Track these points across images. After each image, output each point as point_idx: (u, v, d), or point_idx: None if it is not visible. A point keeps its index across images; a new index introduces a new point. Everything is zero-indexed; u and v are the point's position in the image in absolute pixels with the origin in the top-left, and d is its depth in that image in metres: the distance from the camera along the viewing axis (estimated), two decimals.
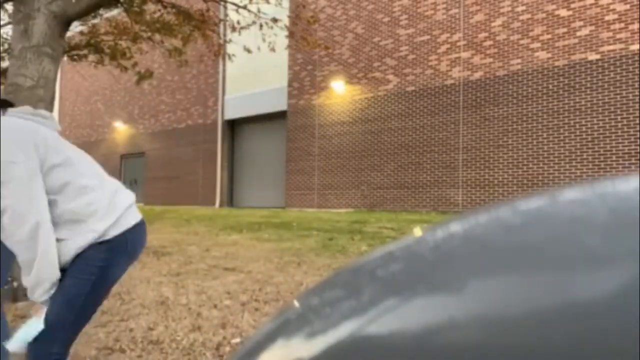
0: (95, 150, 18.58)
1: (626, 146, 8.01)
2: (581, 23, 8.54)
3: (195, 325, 3.07)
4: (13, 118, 1.56)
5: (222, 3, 7.56)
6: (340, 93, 11.67)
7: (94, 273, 1.52)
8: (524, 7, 9.15)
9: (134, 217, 1.64)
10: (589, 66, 8.41)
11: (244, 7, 7.05)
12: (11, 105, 1.67)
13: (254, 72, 13.57)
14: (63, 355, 1.52)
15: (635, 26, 8.00)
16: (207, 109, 15.30)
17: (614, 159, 8.12)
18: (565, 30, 8.69)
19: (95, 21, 9.12)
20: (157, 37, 7.90)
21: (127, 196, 1.68)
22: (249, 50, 8.02)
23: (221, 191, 14.49)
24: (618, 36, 8.16)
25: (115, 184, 1.70)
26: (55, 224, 1.50)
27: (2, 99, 1.68)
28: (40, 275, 1.45)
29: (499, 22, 9.43)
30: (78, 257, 1.52)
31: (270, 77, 13.33)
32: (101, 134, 19.30)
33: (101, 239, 1.53)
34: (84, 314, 1.55)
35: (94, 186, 1.59)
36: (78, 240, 1.51)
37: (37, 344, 1.48)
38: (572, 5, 8.64)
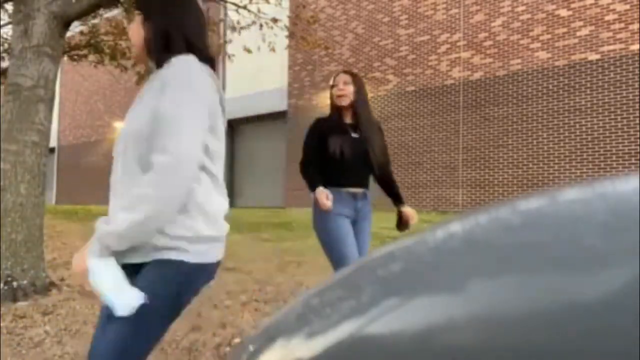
0: (95, 150, 18.58)
1: (626, 146, 8.01)
2: (581, 23, 8.54)
3: (195, 325, 3.07)
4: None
5: (222, 3, 7.55)
6: None
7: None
8: (524, 7, 9.15)
9: None
10: (589, 66, 8.40)
11: (244, 7, 7.03)
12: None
13: (254, 72, 13.55)
14: None
15: (635, 26, 7.99)
16: None
17: (614, 159, 8.11)
18: (565, 30, 8.68)
19: (95, 21, 9.09)
20: None
21: None
22: (249, 50, 8.00)
23: None
24: (618, 36, 8.16)
25: None
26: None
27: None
28: (160, 208, 1.12)
29: (499, 22, 9.42)
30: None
31: (270, 77, 13.32)
32: (101, 134, 19.29)
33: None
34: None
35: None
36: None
37: None
38: (572, 5, 8.64)
